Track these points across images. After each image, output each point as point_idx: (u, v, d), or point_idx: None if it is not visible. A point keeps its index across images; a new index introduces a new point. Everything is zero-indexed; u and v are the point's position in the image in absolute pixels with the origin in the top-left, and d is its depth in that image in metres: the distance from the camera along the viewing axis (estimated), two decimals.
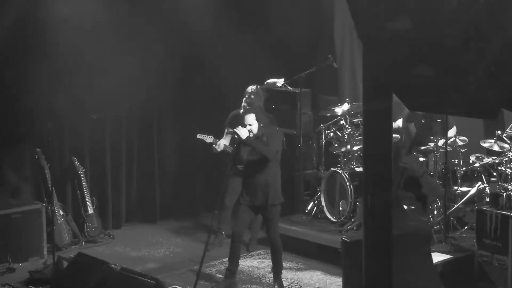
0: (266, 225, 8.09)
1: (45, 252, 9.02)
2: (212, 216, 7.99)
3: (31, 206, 9.03)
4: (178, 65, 10.31)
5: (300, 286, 8.19)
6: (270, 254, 8.18)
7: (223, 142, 9.02)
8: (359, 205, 8.87)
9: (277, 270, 8.06)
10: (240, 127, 7.73)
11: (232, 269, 8.04)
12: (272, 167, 7.83)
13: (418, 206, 6.67)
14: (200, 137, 9.18)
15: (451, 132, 8.80)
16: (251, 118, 7.80)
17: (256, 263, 8.85)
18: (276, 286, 8.02)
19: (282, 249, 8.07)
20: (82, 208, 9.64)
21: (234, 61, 10.10)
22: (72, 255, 7.86)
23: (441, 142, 8.62)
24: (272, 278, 8.15)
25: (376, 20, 3.28)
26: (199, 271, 7.44)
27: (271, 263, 8.80)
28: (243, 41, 10.13)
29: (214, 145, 9.04)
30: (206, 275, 8.40)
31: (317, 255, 8.94)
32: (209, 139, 9.11)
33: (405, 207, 6.46)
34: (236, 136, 7.81)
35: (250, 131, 7.74)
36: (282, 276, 8.11)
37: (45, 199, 9.09)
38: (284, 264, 8.74)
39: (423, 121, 9.00)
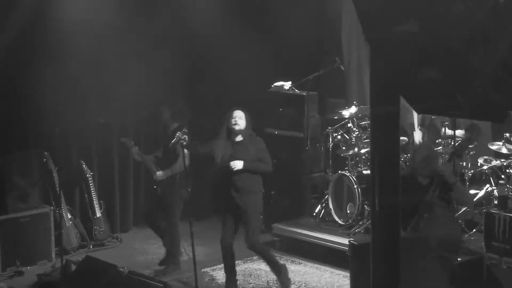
0: (247, 231, 7.89)
1: (53, 255, 9.05)
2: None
3: (39, 210, 9.05)
4: (185, 69, 10.32)
5: None
6: (279, 257, 8.17)
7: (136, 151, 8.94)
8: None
9: (274, 271, 8.02)
10: (235, 162, 7.69)
11: (230, 278, 8.03)
12: (255, 175, 7.83)
13: (451, 214, 6.72)
14: (123, 140, 9.21)
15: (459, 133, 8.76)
16: (240, 114, 7.81)
17: (263, 266, 8.83)
18: (280, 286, 8.00)
19: (268, 249, 8.08)
20: (90, 211, 9.67)
21: (241, 64, 10.09)
22: (80, 259, 7.89)
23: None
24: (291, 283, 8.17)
25: (383, 23, 3.28)
26: (195, 275, 7.46)
27: None
28: (250, 44, 10.13)
29: (134, 151, 8.97)
30: (212, 278, 8.40)
31: (325, 258, 8.93)
32: (129, 143, 9.06)
33: (438, 213, 6.50)
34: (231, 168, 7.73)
35: (236, 124, 7.74)
36: (291, 279, 8.09)
37: (53, 202, 9.11)
38: (292, 267, 8.75)
39: (468, 135, 8.88)
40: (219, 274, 8.58)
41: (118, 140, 9.72)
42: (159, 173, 8.61)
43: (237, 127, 7.79)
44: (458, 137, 8.60)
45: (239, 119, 7.80)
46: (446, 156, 8.29)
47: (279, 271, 8.01)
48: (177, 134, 7.75)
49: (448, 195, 6.83)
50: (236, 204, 7.78)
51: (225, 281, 8.08)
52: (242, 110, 7.89)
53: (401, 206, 6.28)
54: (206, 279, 8.46)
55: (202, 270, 8.60)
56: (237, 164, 7.68)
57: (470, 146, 8.62)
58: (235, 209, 7.80)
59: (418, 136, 9.27)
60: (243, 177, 7.76)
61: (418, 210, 6.74)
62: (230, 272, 8.01)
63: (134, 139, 10.02)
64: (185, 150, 8.16)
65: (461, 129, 8.77)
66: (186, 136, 7.69)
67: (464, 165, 8.76)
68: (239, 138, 7.85)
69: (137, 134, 10.18)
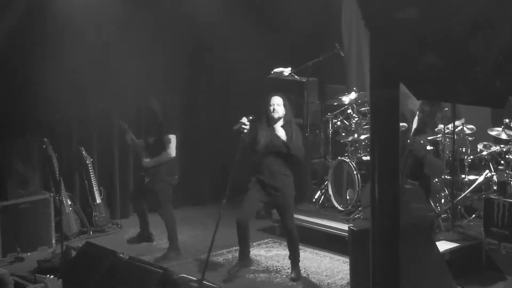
0: (284, 216, 8.06)
1: (54, 241, 9.08)
2: (220, 205, 7.91)
3: (39, 196, 9.07)
4: (185, 58, 10.32)
5: (308, 275, 8.21)
6: (279, 243, 8.20)
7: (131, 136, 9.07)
8: (364, 186, 8.86)
9: (294, 259, 8.09)
10: (277, 126, 7.70)
11: (243, 250, 8.13)
12: (288, 159, 7.86)
13: (420, 192, 6.65)
14: (118, 122, 9.35)
15: (458, 123, 8.78)
16: (278, 100, 7.80)
17: (263, 252, 8.86)
18: (293, 275, 8.04)
19: (298, 238, 8.11)
20: (90, 197, 9.68)
21: (240, 50, 10.09)
22: (80, 245, 7.90)
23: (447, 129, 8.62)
24: (288, 268, 8.19)
25: (383, 9, 3.27)
26: (207, 260, 7.46)
27: (278, 252, 8.86)
28: (250, 30, 10.11)
29: (127, 135, 9.07)
30: (213, 263, 8.42)
31: (325, 244, 8.95)
32: (122, 126, 9.20)
33: (407, 187, 6.41)
34: (241, 129, 7.66)
35: (276, 111, 7.72)
36: (290, 265, 8.13)
37: (53, 189, 9.13)
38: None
39: (427, 109, 9.01)
40: (221, 259, 8.61)
41: (118, 126, 9.73)
42: (147, 160, 8.76)
43: (276, 115, 7.78)
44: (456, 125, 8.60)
45: (277, 106, 7.79)
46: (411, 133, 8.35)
47: (298, 260, 8.10)
48: (241, 121, 7.66)
49: (420, 171, 6.76)
50: (271, 188, 7.83)
51: (238, 254, 8.19)
52: (281, 96, 7.87)
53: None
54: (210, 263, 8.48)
55: (202, 256, 8.61)
56: (280, 132, 7.68)
57: (432, 120, 8.73)
58: (269, 193, 7.86)
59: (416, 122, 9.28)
60: (278, 162, 7.79)
61: None
62: (244, 245, 8.11)
63: (134, 126, 10.05)
64: (173, 138, 8.54)
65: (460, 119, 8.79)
66: (246, 126, 7.62)
67: (464, 151, 8.78)
68: (278, 125, 7.83)
69: (137, 121, 10.17)
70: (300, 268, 8.23)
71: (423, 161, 6.71)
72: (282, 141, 7.73)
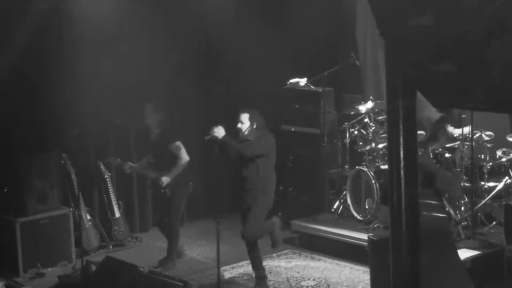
0: (244, 224, 8.04)
1: (74, 256, 9.09)
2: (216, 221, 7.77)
3: (58, 211, 9.10)
4: (200, 65, 10.33)
5: (328, 285, 8.18)
6: (299, 254, 8.18)
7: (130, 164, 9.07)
8: (380, 206, 8.83)
9: (253, 264, 8.16)
10: (215, 127, 7.81)
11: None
12: (258, 171, 7.87)
13: (434, 202, 6.57)
14: (108, 161, 9.40)
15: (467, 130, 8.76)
16: (244, 117, 7.93)
17: (283, 263, 8.85)
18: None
19: (256, 246, 8.08)
20: (109, 212, 9.70)
21: (256, 61, 10.09)
22: (100, 259, 7.93)
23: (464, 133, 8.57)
24: (308, 278, 8.16)
25: (398, 17, 3.27)
26: (218, 273, 7.51)
27: (298, 263, 8.84)
28: (265, 41, 10.13)
29: (124, 166, 9.06)
30: (233, 275, 8.42)
31: (345, 254, 8.93)
32: (114, 162, 9.26)
33: (420, 202, 6.34)
34: (214, 139, 7.81)
35: (240, 129, 7.89)
36: (310, 275, 8.11)
37: (72, 204, 9.15)
38: (311, 263, 8.76)
39: (437, 117, 8.97)
40: (238, 272, 8.60)
41: (135, 140, 9.76)
42: (165, 178, 8.69)
43: (240, 133, 7.96)
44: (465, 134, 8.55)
45: (241, 124, 7.96)
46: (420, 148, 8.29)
47: (257, 266, 8.16)
48: (212, 131, 7.82)
49: (433, 186, 6.68)
50: (246, 202, 7.97)
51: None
52: (246, 111, 8.00)
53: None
54: (226, 277, 8.47)
55: (222, 268, 8.61)
56: (219, 131, 7.77)
57: (441, 126, 8.68)
58: (246, 205, 7.98)
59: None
60: (255, 176, 7.89)
61: None
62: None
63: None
64: (181, 144, 8.61)
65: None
66: (216, 134, 7.79)
67: (483, 157, 8.73)
68: (247, 138, 7.95)
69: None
70: (320, 278, 8.18)
71: (434, 175, 6.62)
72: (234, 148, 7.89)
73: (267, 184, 7.95)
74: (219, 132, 7.78)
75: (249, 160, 7.86)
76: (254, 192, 7.90)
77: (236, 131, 8.00)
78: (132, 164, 9.06)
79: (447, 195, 8.54)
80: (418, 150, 7.16)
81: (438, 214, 6.56)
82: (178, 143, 8.71)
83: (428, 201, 6.42)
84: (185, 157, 8.70)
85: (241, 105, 8.28)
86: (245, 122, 7.94)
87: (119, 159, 9.17)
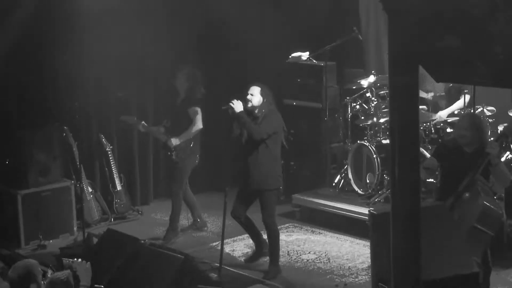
0: (261, 210, 7.82)
1: (75, 229, 9.13)
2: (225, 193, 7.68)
3: (60, 184, 9.12)
4: (202, 42, 10.29)
5: (329, 259, 8.22)
6: (299, 228, 8.17)
7: (144, 123, 9.03)
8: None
9: (272, 257, 7.85)
10: (236, 100, 7.64)
11: (252, 239, 8.15)
12: (265, 151, 7.62)
13: (490, 190, 6.45)
14: (123, 119, 9.26)
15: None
16: (255, 90, 7.73)
17: (284, 237, 8.86)
18: (270, 274, 7.76)
19: (278, 236, 7.90)
20: (110, 185, 9.73)
21: (258, 35, 10.05)
22: (101, 232, 7.96)
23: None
24: (309, 252, 8.17)
25: None
26: (222, 246, 7.53)
27: (298, 237, 8.87)
28: (268, 15, 10.08)
29: (138, 125, 9.04)
30: (234, 249, 8.45)
31: (345, 228, 8.95)
32: (131, 120, 9.17)
33: (479, 189, 6.22)
34: (230, 110, 7.63)
35: (249, 101, 7.67)
36: (311, 249, 8.12)
37: (74, 176, 9.18)
38: (312, 237, 8.79)
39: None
40: (240, 245, 8.63)
41: (137, 113, 9.75)
42: (174, 139, 8.64)
43: (249, 104, 7.73)
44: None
45: (251, 96, 7.71)
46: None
47: (277, 260, 7.90)
48: (231, 102, 7.64)
49: (487, 174, 6.52)
50: (249, 178, 7.71)
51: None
52: (259, 86, 7.79)
53: (444, 174, 6.15)
54: (226, 250, 8.50)
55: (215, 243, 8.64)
56: (237, 105, 7.58)
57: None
58: (248, 183, 7.75)
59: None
60: (261, 155, 7.64)
61: (459, 187, 6.26)
62: (250, 235, 8.19)
63: (153, 111, 10.09)
64: (199, 110, 8.53)
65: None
66: (234, 106, 7.60)
67: None
68: (255, 114, 7.72)
69: (156, 107, 10.19)
70: (321, 252, 8.19)
71: (493, 167, 6.34)
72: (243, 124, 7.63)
73: (270, 168, 7.67)
74: (237, 106, 7.56)
75: (257, 142, 7.61)
76: (260, 176, 7.64)
77: (245, 102, 7.72)
78: (146, 124, 9.04)
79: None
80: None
81: (495, 201, 6.51)
82: (198, 108, 8.65)
83: (486, 188, 6.33)
84: (199, 123, 8.62)
85: (252, 79, 8.08)
86: (255, 95, 7.70)
87: (135, 118, 9.14)
